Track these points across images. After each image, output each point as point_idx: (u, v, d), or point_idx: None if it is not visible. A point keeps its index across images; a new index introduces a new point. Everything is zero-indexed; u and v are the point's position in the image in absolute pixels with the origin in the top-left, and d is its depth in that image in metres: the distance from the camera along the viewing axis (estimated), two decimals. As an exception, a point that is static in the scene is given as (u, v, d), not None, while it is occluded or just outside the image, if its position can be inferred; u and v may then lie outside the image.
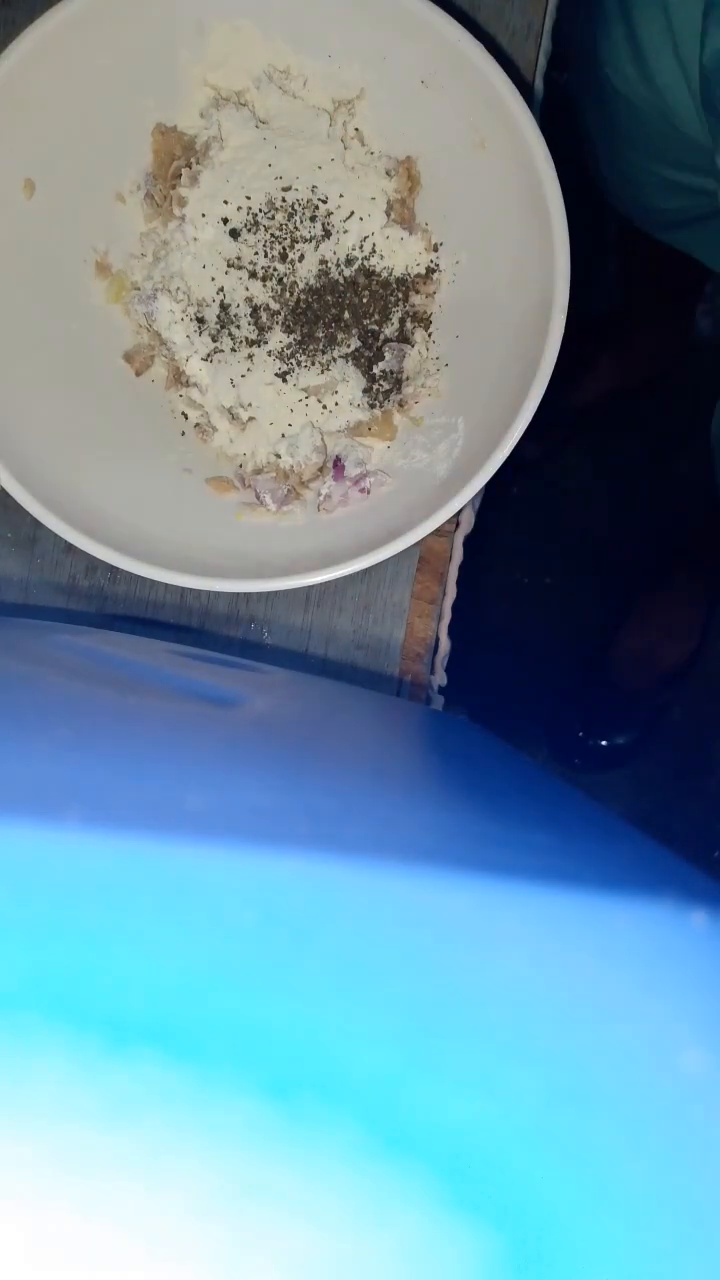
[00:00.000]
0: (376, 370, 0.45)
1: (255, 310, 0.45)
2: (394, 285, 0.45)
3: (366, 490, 0.45)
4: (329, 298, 0.44)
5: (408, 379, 0.45)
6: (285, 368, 0.45)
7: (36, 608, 0.48)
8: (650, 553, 1.01)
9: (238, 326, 0.45)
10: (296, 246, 0.44)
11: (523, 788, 0.31)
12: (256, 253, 0.44)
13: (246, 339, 0.45)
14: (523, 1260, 0.13)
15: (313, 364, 0.45)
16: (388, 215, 0.44)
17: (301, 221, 0.44)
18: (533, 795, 0.30)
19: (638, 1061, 0.16)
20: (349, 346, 0.45)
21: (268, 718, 0.31)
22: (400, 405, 0.45)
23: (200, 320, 0.45)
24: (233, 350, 0.45)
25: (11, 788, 0.20)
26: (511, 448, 0.40)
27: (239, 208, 0.44)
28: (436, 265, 0.45)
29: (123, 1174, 0.13)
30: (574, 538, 1.04)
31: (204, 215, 0.44)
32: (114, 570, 0.47)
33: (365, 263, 0.44)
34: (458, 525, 0.47)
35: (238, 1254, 0.13)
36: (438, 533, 0.46)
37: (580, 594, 1.03)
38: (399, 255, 0.44)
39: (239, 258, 0.44)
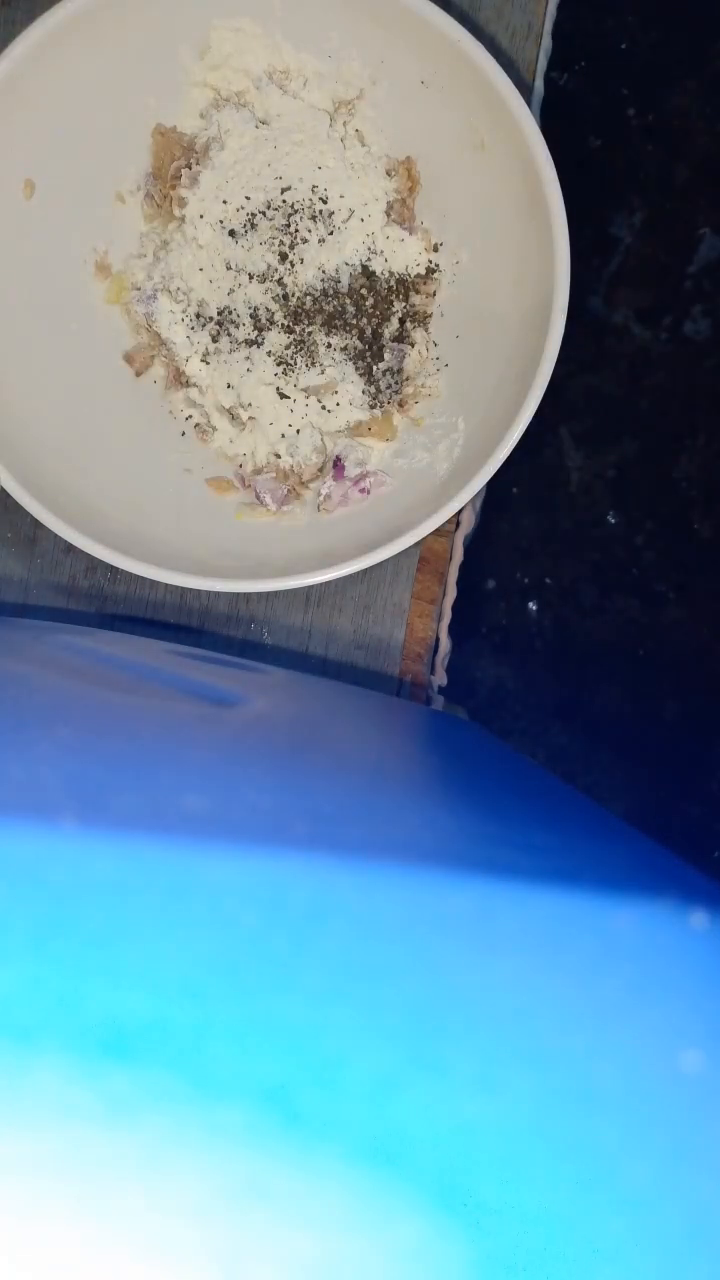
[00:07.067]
0: (376, 370, 0.45)
1: (255, 310, 0.45)
2: (394, 285, 0.45)
3: (366, 490, 0.45)
4: (329, 298, 0.44)
5: (408, 379, 0.45)
6: (285, 368, 0.45)
7: (36, 608, 0.48)
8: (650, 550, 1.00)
9: (238, 326, 0.45)
10: (296, 247, 0.44)
11: (522, 788, 0.31)
12: (256, 253, 0.44)
13: (246, 339, 0.45)
14: (520, 1261, 0.13)
15: (313, 364, 0.45)
16: (388, 215, 0.44)
17: (301, 221, 0.44)
18: (532, 795, 0.30)
19: (637, 1062, 0.16)
20: (349, 347, 0.45)
21: (267, 718, 0.31)
22: (400, 405, 0.45)
23: (200, 320, 0.45)
24: (233, 350, 0.45)
25: (12, 788, 0.20)
26: (511, 448, 0.40)
27: (239, 208, 0.44)
28: (436, 265, 0.45)
29: (122, 1174, 0.13)
30: (574, 538, 1.04)
31: (203, 216, 0.44)
32: (114, 570, 0.47)
33: (365, 263, 0.44)
34: (458, 525, 0.47)
35: (236, 1255, 0.13)
36: (438, 533, 0.46)
37: (580, 594, 1.03)
38: (399, 255, 0.44)
39: (239, 258, 0.44)
